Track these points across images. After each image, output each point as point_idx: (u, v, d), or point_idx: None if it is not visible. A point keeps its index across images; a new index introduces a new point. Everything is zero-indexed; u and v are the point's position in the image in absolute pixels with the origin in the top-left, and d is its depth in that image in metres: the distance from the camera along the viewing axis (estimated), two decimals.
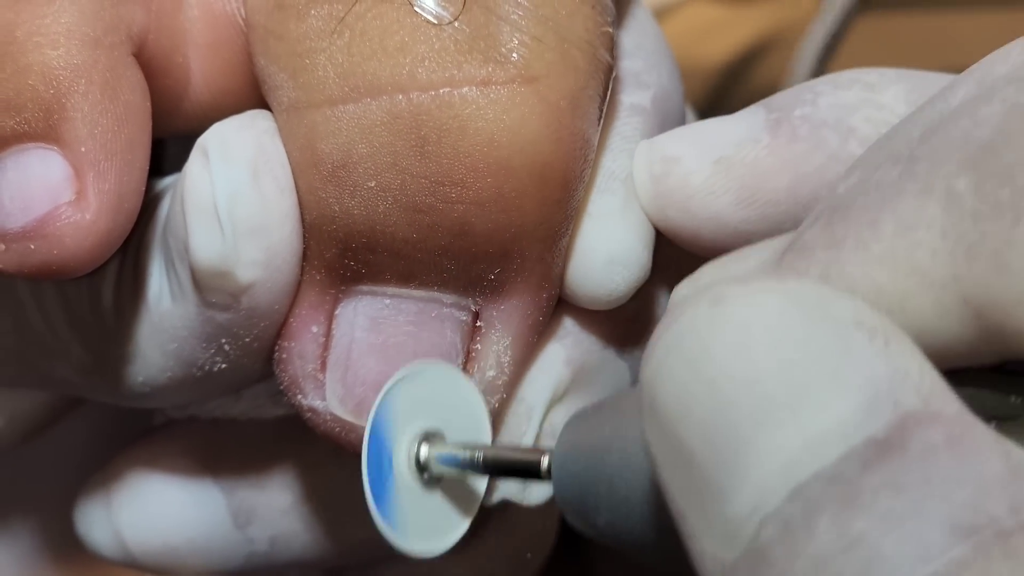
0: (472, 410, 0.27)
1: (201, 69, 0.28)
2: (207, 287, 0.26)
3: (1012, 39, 0.22)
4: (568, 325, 0.29)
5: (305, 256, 0.26)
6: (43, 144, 0.24)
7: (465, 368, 0.27)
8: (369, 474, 0.25)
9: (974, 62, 0.23)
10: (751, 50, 0.62)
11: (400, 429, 0.25)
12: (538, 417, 0.28)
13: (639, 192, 0.27)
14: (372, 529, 0.31)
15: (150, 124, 0.26)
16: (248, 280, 0.26)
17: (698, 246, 0.27)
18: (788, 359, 0.17)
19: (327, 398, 0.27)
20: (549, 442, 0.28)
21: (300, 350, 0.27)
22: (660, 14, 0.65)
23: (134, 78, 0.25)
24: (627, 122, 0.28)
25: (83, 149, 0.24)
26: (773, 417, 0.17)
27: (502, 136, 0.25)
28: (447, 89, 0.25)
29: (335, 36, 0.26)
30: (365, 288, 0.27)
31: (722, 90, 0.61)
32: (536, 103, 0.25)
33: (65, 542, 0.34)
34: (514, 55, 0.25)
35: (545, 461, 0.24)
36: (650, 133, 0.28)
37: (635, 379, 0.30)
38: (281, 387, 0.27)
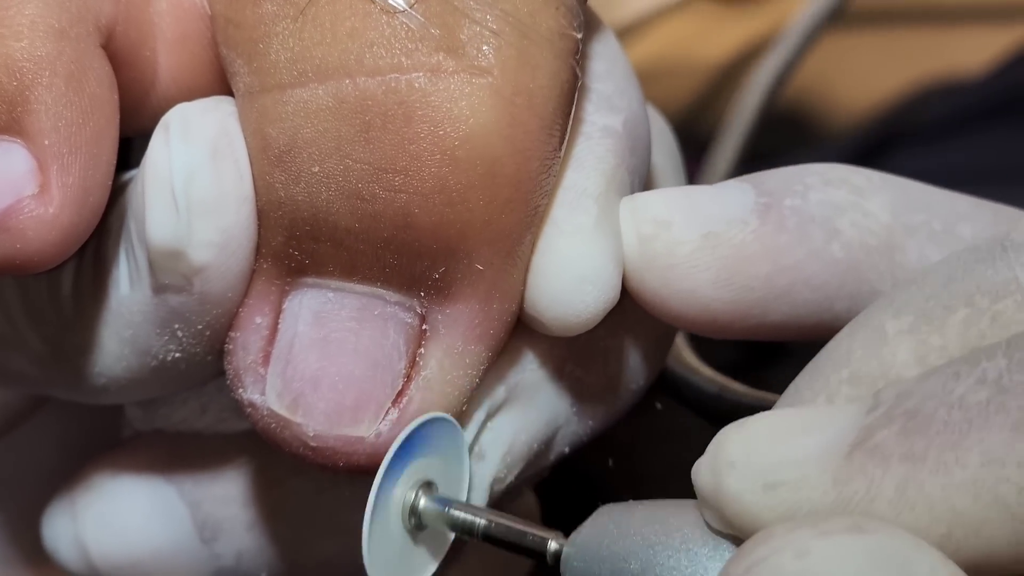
0: (461, 468, 0.27)
1: (168, 63, 0.27)
2: (161, 268, 0.26)
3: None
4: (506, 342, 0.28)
5: None
6: (6, 137, 0.24)
7: (407, 374, 0.27)
8: (372, 514, 0.25)
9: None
10: (748, 49, 0.62)
11: (403, 474, 0.26)
12: (472, 433, 0.28)
13: (624, 249, 0.27)
14: (336, 547, 0.31)
15: (117, 117, 0.25)
16: (201, 262, 0.25)
17: (663, 312, 0.27)
18: None
19: (266, 392, 0.26)
20: (477, 465, 0.28)
21: (243, 341, 0.27)
22: (659, 14, 0.65)
23: (101, 70, 0.25)
24: (600, 142, 0.28)
25: (47, 142, 0.24)
26: None
27: (447, 125, 0.25)
28: (394, 75, 0.25)
29: (288, 22, 0.25)
30: (310, 280, 0.26)
31: (718, 88, 0.62)
32: (487, 95, 0.25)
33: (33, 553, 0.33)
34: (468, 46, 0.25)
35: (551, 546, 0.25)
36: (622, 155, 0.28)
37: (575, 400, 0.29)
38: (228, 381, 0.27)
